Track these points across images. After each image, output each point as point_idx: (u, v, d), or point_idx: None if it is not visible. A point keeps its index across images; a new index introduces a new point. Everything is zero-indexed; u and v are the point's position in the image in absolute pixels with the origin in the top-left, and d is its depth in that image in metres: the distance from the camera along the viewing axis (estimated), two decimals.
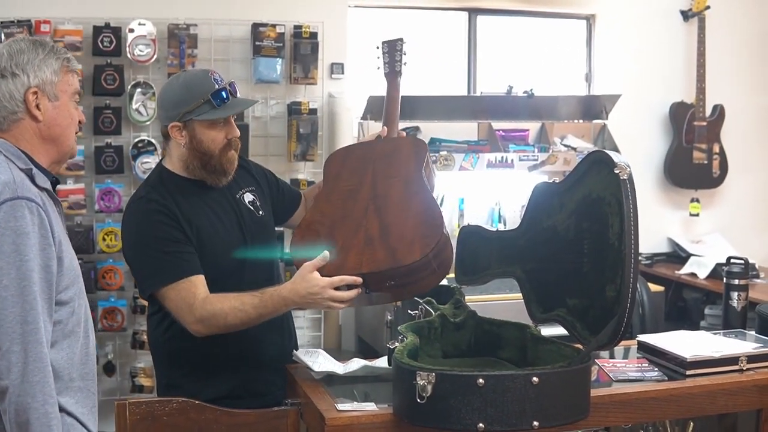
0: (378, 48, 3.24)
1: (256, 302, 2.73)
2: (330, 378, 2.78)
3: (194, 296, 2.74)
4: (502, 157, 5.18)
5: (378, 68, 3.24)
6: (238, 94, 2.94)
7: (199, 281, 2.78)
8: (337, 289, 2.65)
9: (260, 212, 3.06)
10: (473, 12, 5.65)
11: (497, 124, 5.43)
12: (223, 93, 2.83)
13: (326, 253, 2.69)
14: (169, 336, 2.91)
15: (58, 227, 2.19)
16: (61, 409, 2.14)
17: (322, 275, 2.66)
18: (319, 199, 2.97)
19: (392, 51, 3.20)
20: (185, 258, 2.80)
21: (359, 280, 2.65)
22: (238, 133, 2.93)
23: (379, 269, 2.63)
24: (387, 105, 3.17)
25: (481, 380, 2.29)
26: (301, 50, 5.04)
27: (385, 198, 2.84)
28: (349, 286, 2.66)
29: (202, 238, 2.86)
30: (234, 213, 2.97)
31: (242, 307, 2.72)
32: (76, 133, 2.35)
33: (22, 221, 2.09)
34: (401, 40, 3.20)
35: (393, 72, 3.19)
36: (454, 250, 3.02)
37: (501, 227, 5.27)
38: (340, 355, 3.37)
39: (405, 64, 3.19)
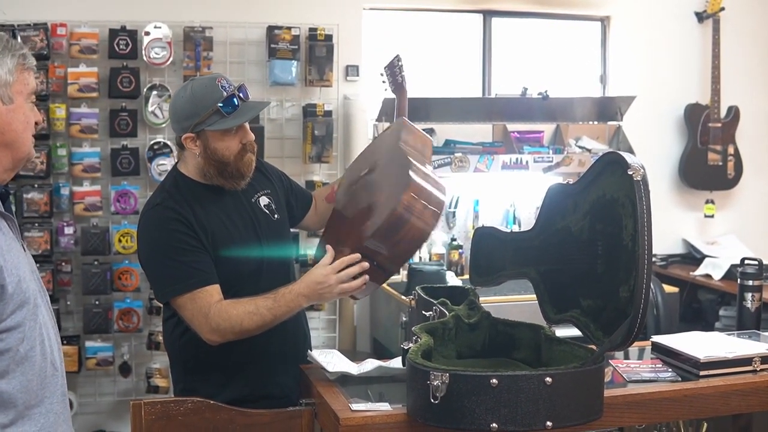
0: (381, 75, 3.34)
1: (269, 304, 2.75)
2: (344, 378, 2.79)
3: (209, 306, 2.76)
4: (517, 159, 5.19)
5: (386, 90, 3.35)
6: (250, 97, 2.94)
7: (215, 291, 2.80)
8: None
9: (276, 215, 3.06)
10: (488, 14, 5.65)
11: (512, 126, 5.44)
12: (234, 99, 2.82)
13: (329, 247, 2.81)
14: (185, 341, 2.93)
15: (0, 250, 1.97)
16: None
17: None
18: (334, 208, 3.18)
19: (392, 69, 3.30)
20: (201, 267, 2.81)
21: (357, 256, 2.73)
22: (252, 137, 2.93)
23: (366, 236, 2.72)
24: (398, 106, 3.27)
25: (494, 380, 2.29)
26: (316, 52, 5.05)
27: (373, 183, 2.99)
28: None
29: (217, 244, 2.87)
30: (250, 217, 2.98)
31: (257, 311, 2.74)
32: (33, 135, 2.13)
33: None
34: (397, 57, 3.30)
35: (398, 85, 3.29)
36: (469, 252, 3.06)
37: (516, 228, 5.28)
38: (354, 355, 3.39)
39: (405, 73, 3.29)
